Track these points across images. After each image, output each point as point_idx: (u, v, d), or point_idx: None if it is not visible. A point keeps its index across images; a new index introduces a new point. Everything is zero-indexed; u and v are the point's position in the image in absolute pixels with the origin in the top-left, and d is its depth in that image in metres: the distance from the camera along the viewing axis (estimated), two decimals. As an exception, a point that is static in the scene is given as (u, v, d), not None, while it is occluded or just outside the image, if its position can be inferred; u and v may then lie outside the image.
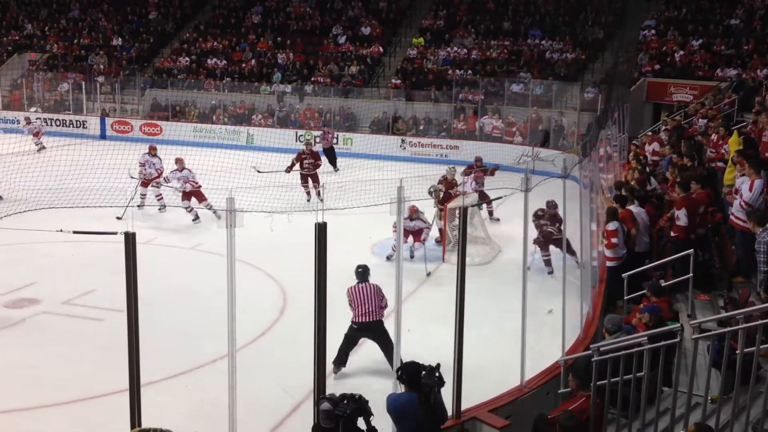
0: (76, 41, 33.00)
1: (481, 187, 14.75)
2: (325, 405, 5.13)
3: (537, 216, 11.66)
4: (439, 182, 14.18)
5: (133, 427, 5.43)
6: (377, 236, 13.19)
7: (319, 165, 17.46)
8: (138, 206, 15.29)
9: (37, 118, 25.78)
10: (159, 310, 8.82)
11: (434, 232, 13.36)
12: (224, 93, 28.65)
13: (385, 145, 23.94)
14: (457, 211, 11.99)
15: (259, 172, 16.00)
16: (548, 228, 11.71)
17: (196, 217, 14.93)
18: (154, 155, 16.15)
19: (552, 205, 11.49)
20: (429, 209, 13.35)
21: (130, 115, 28.99)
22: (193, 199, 14.96)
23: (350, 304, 8.32)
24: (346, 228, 14.32)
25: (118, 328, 6.80)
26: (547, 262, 11.97)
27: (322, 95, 27.64)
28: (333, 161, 21.86)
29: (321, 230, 5.62)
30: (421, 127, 25.63)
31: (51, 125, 28.26)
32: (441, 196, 13.73)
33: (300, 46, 30.32)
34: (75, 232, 11.67)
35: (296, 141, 25.38)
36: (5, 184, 13.49)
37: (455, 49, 28.34)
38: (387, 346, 8.09)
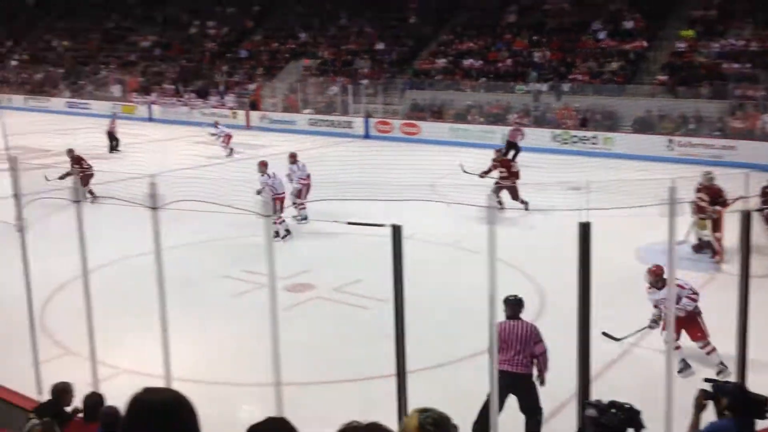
0: (343, 47, 35.42)
1: None
2: (591, 412, 4.89)
3: None
4: (698, 190, 12.94)
5: (401, 409, 5.67)
6: (644, 240, 12.50)
7: (515, 175, 15.48)
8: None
9: (217, 124, 25.46)
10: (419, 302, 9.10)
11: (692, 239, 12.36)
12: (480, 93, 28.98)
13: (649, 145, 22.64)
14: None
15: (465, 171, 15.89)
16: None
17: (277, 235, 13.12)
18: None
19: None
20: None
21: (391, 115, 30.44)
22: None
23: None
24: (610, 230, 13.78)
25: (382, 317, 7.19)
26: None
27: (580, 93, 26.85)
28: (514, 155, 21.51)
29: (585, 230, 5.41)
30: (691, 126, 23.80)
31: (321, 125, 30.64)
32: (705, 206, 12.57)
33: (557, 43, 29.71)
34: (349, 223, 12.54)
35: (552, 140, 24.96)
36: (284, 178, 14.78)
37: (730, 40, 25.95)
38: (531, 410, 6.63)
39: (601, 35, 28.98)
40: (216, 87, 35.84)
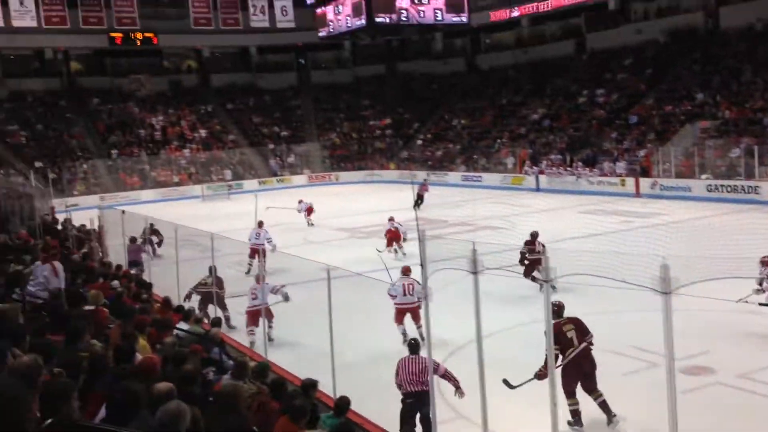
0: (747, 105, 32.40)
1: None
2: None
3: None
4: None
5: None
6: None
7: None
8: None
9: (301, 201, 26.63)
10: None
11: None
12: None
13: None
14: None
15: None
16: None
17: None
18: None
19: None
20: None
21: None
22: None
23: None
24: None
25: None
26: None
27: None
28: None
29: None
30: None
31: (721, 191, 28.24)
32: None
33: None
34: (760, 305, 10.97)
35: None
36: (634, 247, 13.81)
37: None
38: None
39: None
40: (605, 155, 35.51)
